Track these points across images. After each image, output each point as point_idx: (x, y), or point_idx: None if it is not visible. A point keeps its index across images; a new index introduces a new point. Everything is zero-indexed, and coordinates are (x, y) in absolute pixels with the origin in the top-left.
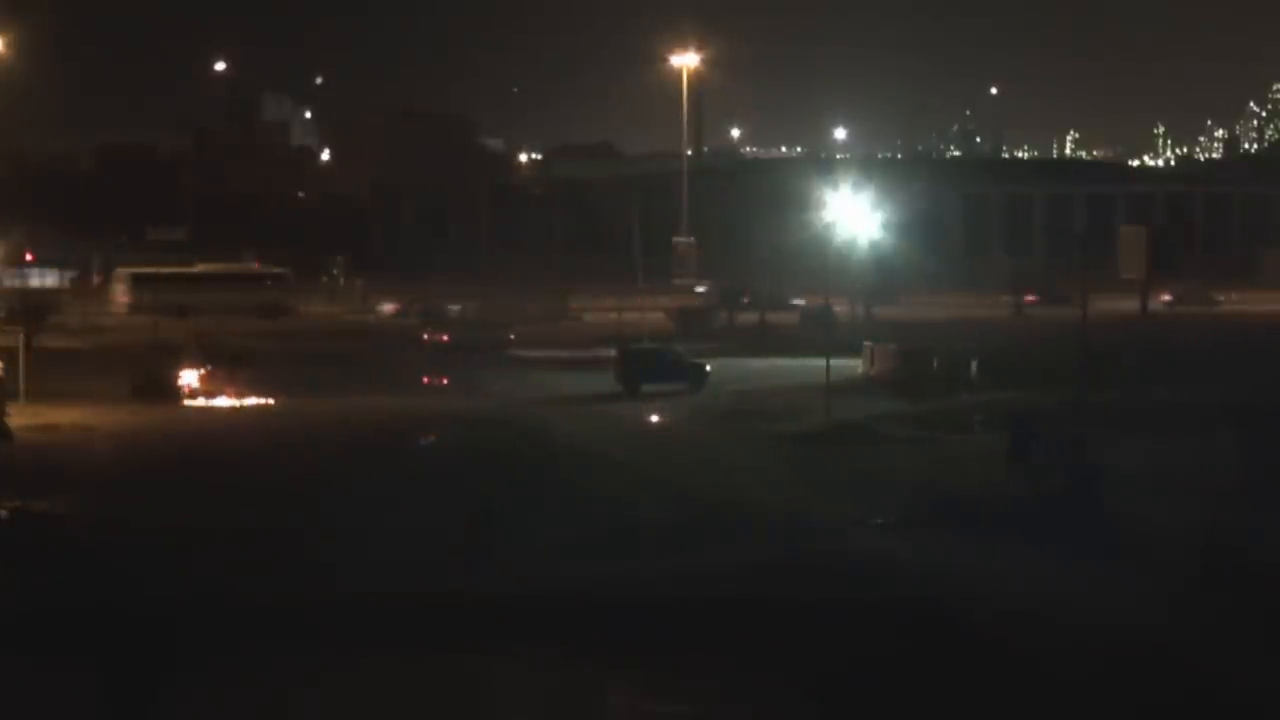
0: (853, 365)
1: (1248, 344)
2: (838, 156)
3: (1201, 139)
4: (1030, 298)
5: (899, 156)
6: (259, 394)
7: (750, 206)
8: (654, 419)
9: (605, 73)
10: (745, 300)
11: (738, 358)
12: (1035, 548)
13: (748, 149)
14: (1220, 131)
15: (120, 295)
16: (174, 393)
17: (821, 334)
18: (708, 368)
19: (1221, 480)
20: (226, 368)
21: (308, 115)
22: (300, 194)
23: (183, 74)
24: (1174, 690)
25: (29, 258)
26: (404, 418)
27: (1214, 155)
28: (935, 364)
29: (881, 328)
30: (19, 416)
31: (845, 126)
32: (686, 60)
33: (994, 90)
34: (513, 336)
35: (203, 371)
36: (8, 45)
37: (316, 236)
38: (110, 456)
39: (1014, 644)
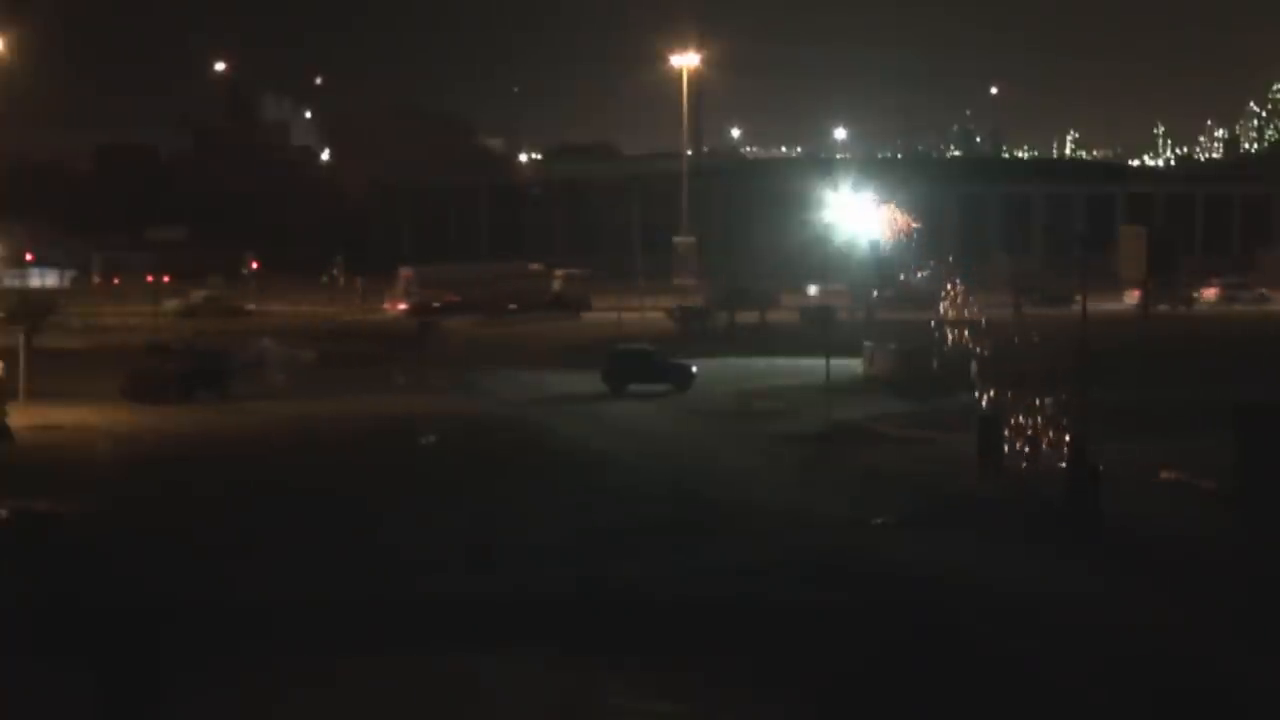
0: (853, 365)
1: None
2: (838, 156)
3: (1201, 139)
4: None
5: (899, 156)
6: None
7: (750, 206)
8: (652, 419)
9: (605, 73)
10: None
11: (738, 357)
12: (1035, 548)
13: (748, 149)
14: (1220, 131)
15: (403, 293)
16: (162, 394)
17: (821, 333)
18: (694, 369)
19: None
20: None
21: (308, 115)
22: (300, 194)
23: (183, 74)
24: (1177, 696)
25: (29, 258)
26: (403, 418)
27: (1214, 155)
28: (935, 364)
29: (881, 328)
30: (19, 416)
31: (845, 126)
32: (686, 60)
33: (994, 90)
34: None
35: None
36: (8, 45)
37: (316, 236)
38: (110, 456)
39: (1014, 646)
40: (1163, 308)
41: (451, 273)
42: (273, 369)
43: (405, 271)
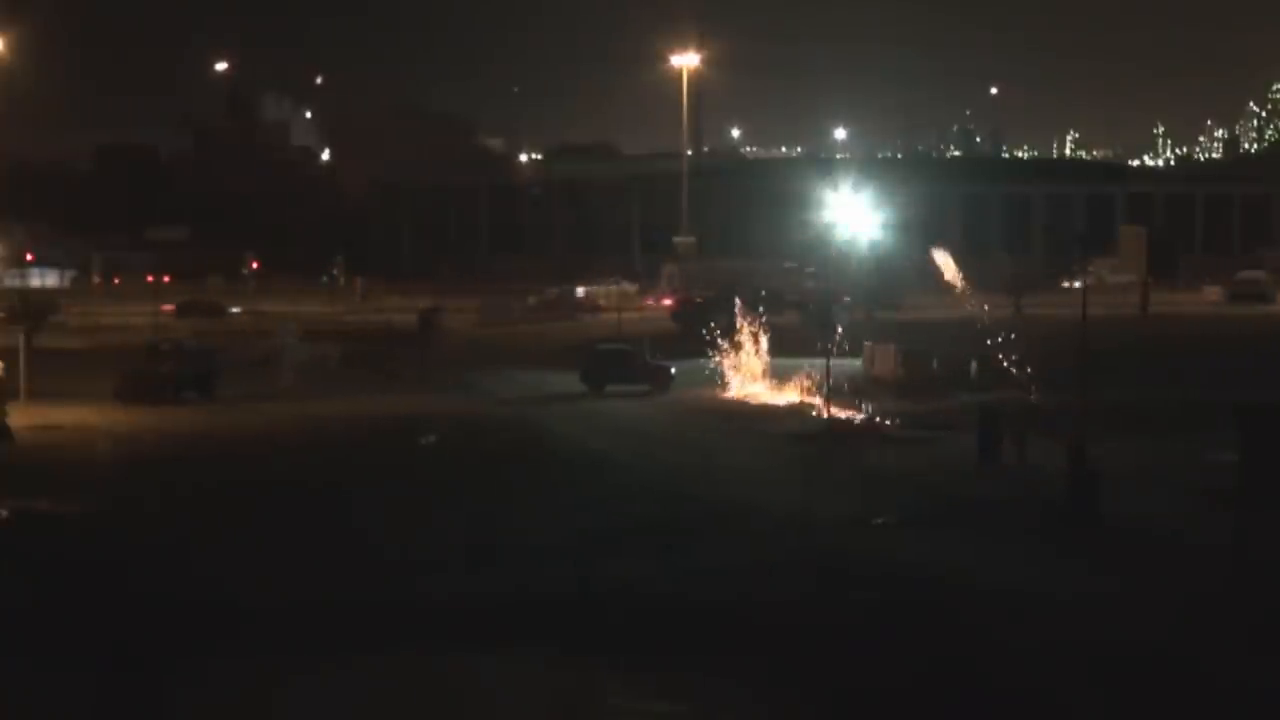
0: (853, 365)
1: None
2: (838, 156)
3: (1201, 139)
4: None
5: (899, 156)
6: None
7: (750, 206)
8: (651, 419)
9: (605, 73)
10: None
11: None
12: (1035, 548)
13: (748, 149)
14: (1220, 131)
15: (668, 288)
16: (154, 395)
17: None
18: (672, 370)
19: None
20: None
21: (308, 115)
22: (300, 194)
23: (183, 74)
24: (1177, 696)
25: (29, 258)
26: (404, 418)
27: (1214, 155)
28: (935, 364)
29: (882, 328)
30: (19, 416)
31: (845, 126)
32: (686, 60)
33: (994, 90)
34: None
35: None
36: (8, 45)
37: (316, 236)
38: (110, 456)
39: (1015, 646)
40: None
41: (715, 268)
42: (283, 367)
43: (668, 268)
